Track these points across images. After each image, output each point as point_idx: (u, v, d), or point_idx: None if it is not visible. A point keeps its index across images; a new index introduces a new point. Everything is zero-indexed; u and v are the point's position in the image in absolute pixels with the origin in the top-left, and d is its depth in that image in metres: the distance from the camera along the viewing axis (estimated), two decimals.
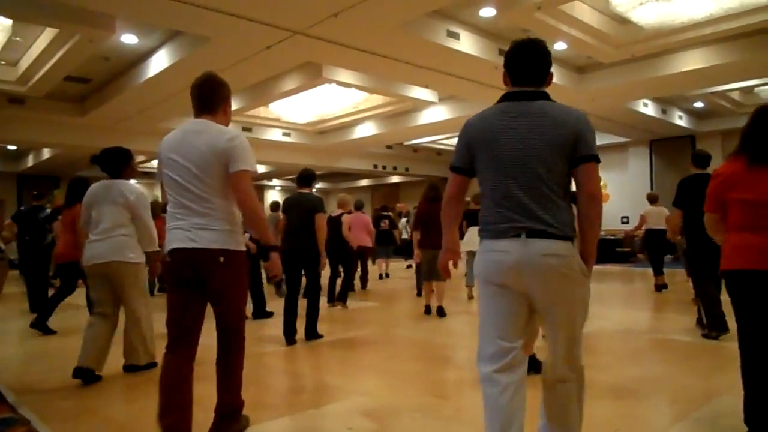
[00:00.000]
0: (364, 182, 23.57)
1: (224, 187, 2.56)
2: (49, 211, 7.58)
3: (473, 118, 2.18)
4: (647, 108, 12.15)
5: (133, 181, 4.30)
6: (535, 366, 3.98)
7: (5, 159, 16.99)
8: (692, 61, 8.80)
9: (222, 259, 2.53)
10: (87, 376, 3.82)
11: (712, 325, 4.98)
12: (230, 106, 2.85)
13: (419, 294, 8.46)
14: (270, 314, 6.74)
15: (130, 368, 4.13)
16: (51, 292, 7.97)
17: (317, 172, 22.55)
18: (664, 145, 15.20)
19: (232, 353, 2.91)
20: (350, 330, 6.04)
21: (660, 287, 8.57)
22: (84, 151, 14.56)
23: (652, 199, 9.18)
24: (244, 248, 2.69)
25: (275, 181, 22.85)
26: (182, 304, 2.71)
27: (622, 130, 13.98)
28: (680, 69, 8.94)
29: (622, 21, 8.01)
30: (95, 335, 3.93)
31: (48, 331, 5.86)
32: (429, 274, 6.71)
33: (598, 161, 2.04)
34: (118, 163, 4.11)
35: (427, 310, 6.80)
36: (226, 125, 2.72)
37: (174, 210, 2.61)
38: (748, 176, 2.56)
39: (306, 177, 5.52)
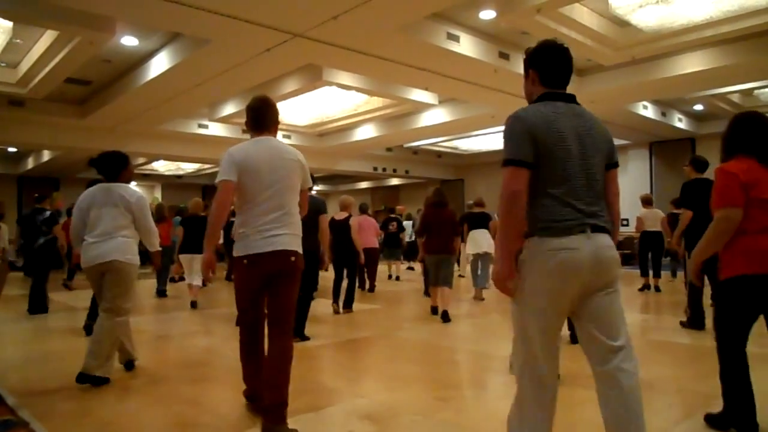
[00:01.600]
0: (363, 184, 23.57)
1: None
2: (48, 213, 7.59)
3: (529, 113, 2.07)
4: (647, 110, 12.16)
5: (133, 184, 4.33)
6: None
7: (5, 161, 16.99)
8: (692, 63, 8.81)
9: (294, 258, 2.98)
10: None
11: (694, 320, 5.57)
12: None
13: (426, 293, 8.42)
14: None
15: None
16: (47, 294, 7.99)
17: (317, 175, 22.57)
18: (664, 148, 15.21)
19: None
20: (353, 332, 6.03)
21: (645, 287, 8.93)
22: (84, 153, 14.56)
23: (647, 202, 9.25)
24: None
25: None
26: (259, 296, 3.06)
27: (622, 132, 13.99)
28: (680, 71, 8.95)
29: (622, 23, 8.02)
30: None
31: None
32: (436, 279, 6.69)
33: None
34: (115, 166, 4.17)
35: (434, 311, 6.81)
36: None
37: (266, 217, 2.92)
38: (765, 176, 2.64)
39: None
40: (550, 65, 2.20)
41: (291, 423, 2.98)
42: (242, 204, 2.96)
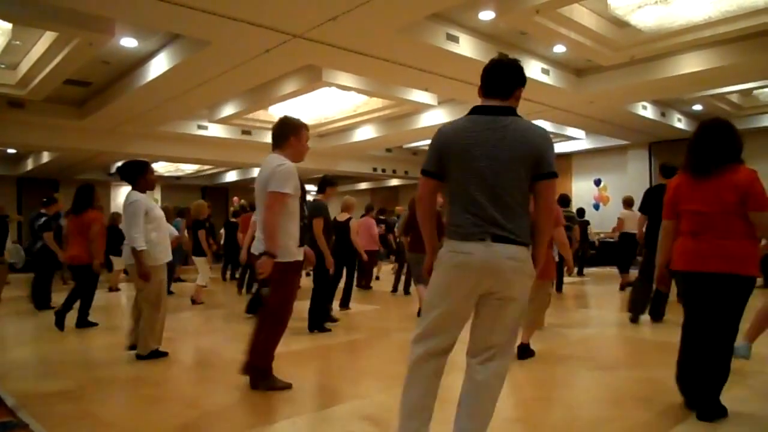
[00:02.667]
0: (363, 185, 23.56)
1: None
2: (43, 219, 7.80)
3: (449, 127, 2.33)
4: (646, 111, 12.16)
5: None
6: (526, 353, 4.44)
7: (5, 162, 16.98)
8: (691, 63, 8.81)
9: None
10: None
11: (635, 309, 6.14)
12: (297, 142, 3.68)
13: (394, 290, 9.22)
14: None
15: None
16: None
17: (316, 176, 22.54)
18: (664, 148, 15.20)
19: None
20: (352, 333, 6.03)
21: (625, 286, 9.25)
22: (83, 155, 14.59)
23: (627, 203, 9.39)
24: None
25: None
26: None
27: (621, 132, 14.00)
28: (679, 72, 8.95)
29: (621, 24, 8.03)
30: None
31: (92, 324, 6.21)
32: (418, 278, 6.69)
33: (555, 177, 2.23)
34: (132, 174, 4.54)
35: (420, 313, 6.78)
36: (291, 157, 3.59)
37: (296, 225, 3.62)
38: (691, 188, 3.00)
39: (319, 184, 6.15)
40: (485, 78, 2.37)
41: (292, 423, 2.98)
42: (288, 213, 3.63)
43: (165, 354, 4.63)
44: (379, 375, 4.30)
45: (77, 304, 6.19)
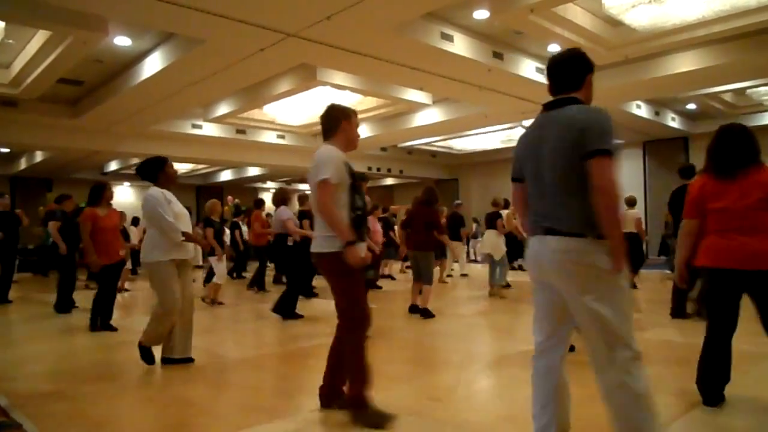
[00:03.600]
0: None
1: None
2: (59, 214, 7.88)
3: (525, 131, 2.51)
4: (640, 110, 12.21)
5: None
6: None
7: None
8: (685, 63, 8.85)
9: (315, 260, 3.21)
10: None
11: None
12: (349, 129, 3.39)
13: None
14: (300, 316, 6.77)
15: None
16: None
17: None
18: (658, 147, 15.28)
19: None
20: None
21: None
22: (77, 154, 14.53)
23: (630, 203, 9.40)
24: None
25: (269, 183, 22.79)
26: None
27: (617, 131, 14.02)
28: (673, 71, 9.00)
29: (615, 23, 8.06)
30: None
31: (111, 328, 6.03)
32: (417, 275, 6.76)
33: (606, 154, 2.06)
34: (152, 169, 4.46)
35: (412, 309, 6.84)
36: (343, 147, 3.33)
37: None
38: (717, 188, 3.10)
39: None
40: (547, 74, 2.47)
41: (285, 423, 2.98)
42: None
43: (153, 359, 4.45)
44: (378, 374, 4.30)
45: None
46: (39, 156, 15.01)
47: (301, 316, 6.66)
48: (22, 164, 16.37)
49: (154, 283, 4.33)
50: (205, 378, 4.18)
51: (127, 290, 9.83)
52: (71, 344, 5.58)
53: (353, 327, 3.12)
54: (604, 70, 9.57)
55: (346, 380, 3.17)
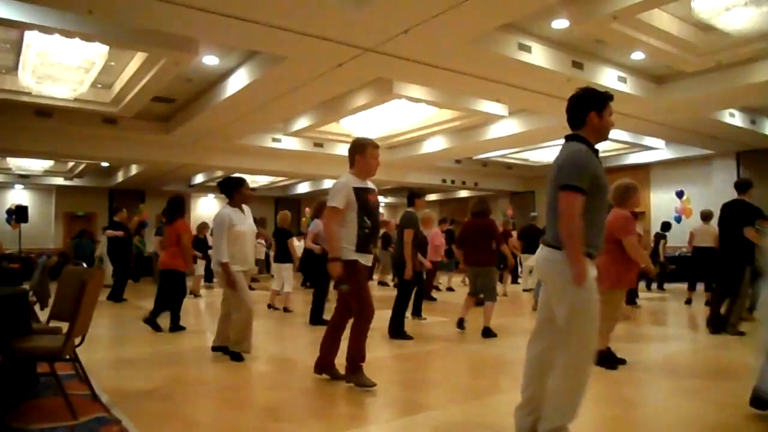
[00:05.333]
0: (432, 197, 23.51)
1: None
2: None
3: None
4: (734, 118, 11.45)
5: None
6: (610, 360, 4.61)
7: (99, 175, 18.28)
8: None
9: None
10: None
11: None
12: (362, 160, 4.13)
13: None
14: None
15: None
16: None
17: (386, 187, 22.60)
18: (754, 157, 14.24)
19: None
20: (422, 344, 6.00)
21: (689, 301, 9.59)
22: (168, 167, 15.45)
23: (705, 217, 9.22)
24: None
25: None
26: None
27: (706, 141, 13.25)
28: None
29: (706, 28, 7.63)
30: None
31: (182, 328, 6.64)
32: (475, 290, 6.58)
33: (568, 189, 2.62)
34: (229, 188, 5.01)
35: (459, 323, 6.75)
36: (360, 174, 4.12)
37: None
38: None
39: (408, 197, 6.74)
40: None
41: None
42: None
43: (240, 358, 4.87)
44: (449, 387, 4.28)
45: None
46: (134, 169, 16.10)
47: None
48: (119, 177, 17.62)
49: (233, 292, 4.87)
50: (286, 384, 4.31)
51: (199, 295, 10.47)
52: (162, 347, 5.91)
53: (359, 318, 3.98)
54: (693, 77, 9.08)
55: (335, 354, 4.19)
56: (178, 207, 6.62)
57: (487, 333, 6.25)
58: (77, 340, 3.58)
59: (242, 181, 5.04)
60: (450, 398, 3.92)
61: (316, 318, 7.16)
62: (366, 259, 3.99)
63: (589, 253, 2.64)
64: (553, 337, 2.75)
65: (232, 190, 4.97)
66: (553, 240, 2.69)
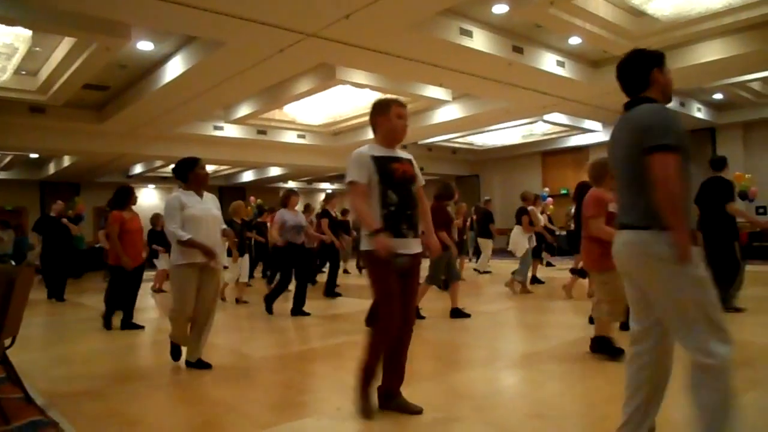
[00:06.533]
0: None
1: None
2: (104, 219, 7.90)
3: None
4: None
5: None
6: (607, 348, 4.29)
7: (28, 167, 17.31)
8: (711, 52, 8.66)
9: None
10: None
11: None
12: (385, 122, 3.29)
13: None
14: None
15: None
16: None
17: (331, 174, 22.41)
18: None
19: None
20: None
21: None
22: (103, 158, 14.82)
23: None
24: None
25: (291, 183, 22.96)
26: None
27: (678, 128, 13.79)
28: (698, 60, 8.81)
29: (638, 13, 7.92)
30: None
31: (136, 327, 6.26)
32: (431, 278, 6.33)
33: (663, 150, 2.17)
34: (184, 170, 4.42)
35: (417, 314, 6.38)
36: (384, 141, 3.31)
37: None
38: None
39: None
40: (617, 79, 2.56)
41: (313, 421, 3.00)
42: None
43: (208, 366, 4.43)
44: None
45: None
46: (67, 161, 15.36)
47: (308, 314, 6.86)
48: (51, 169, 16.75)
49: (171, 285, 4.53)
50: (233, 377, 4.23)
51: (163, 291, 9.81)
52: (103, 345, 5.70)
53: (377, 326, 3.14)
54: None
55: (398, 380, 3.20)
56: (119, 198, 6.29)
57: (457, 313, 6.33)
58: (7, 342, 3.39)
59: (196, 160, 4.45)
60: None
61: (269, 303, 7.07)
62: (397, 244, 3.04)
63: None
64: (655, 334, 2.34)
65: (186, 171, 4.39)
66: (636, 219, 2.27)
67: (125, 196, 6.30)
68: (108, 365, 4.70)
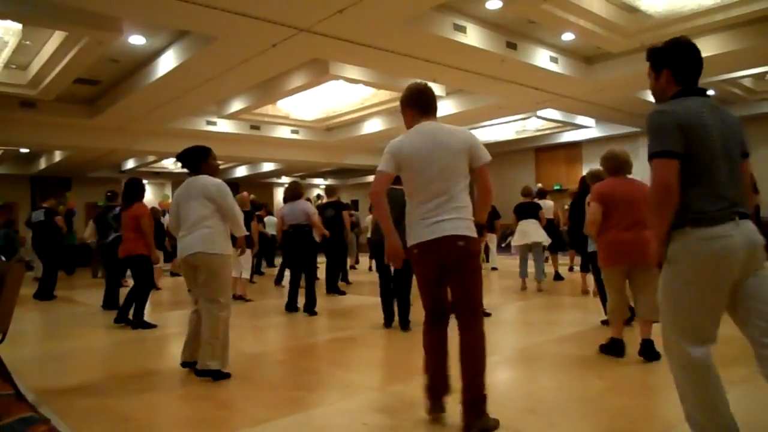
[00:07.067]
0: (371, 178, 23.47)
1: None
2: (117, 210, 7.32)
3: (675, 107, 2.24)
4: None
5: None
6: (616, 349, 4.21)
7: (18, 162, 17.16)
8: (703, 48, 8.40)
9: (462, 243, 2.80)
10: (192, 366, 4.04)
11: None
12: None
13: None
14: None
15: (201, 372, 3.91)
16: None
17: (324, 169, 22.27)
18: None
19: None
20: (368, 325, 6.04)
21: None
22: (95, 153, 14.71)
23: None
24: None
25: (284, 179, 22.90)
26: (439, 285, 2.95)
27: (633, 119, 13.86)
28: None
29: (631, 10, 7.93)
30: (195, 331, 4.05)
31: (132, 324, 6.00)
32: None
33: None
34: (195, 159, 4.19)
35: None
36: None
37: (428, 204, 2.84)
38: None
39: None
40: (685, 63, 2.40)
41: (307, 416, 3.00)
42: (408, 194, 2.96)
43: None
44: (397, 366, 4.32)
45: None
46: (58, 156, 15.23)
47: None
48: (42, 164, 16.62)
49: (218, 279, 3.99)
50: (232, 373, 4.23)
51: (159, 288, 9.67)
52: (89, 343, 5.67)
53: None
54: (620, 57, 9.45)
55: (448, 375, 3.04)
56: (135, 190, 6.23)
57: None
58: None
59: (208, 150, 4.27)
60: (397, 377, 3.96)
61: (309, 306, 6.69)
62: (423, 235, 2.85)
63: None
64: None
65: (198, 161, 4.16)
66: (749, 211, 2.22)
67: (141, 188, 6.29)
68: (100, 361, 4.69)
